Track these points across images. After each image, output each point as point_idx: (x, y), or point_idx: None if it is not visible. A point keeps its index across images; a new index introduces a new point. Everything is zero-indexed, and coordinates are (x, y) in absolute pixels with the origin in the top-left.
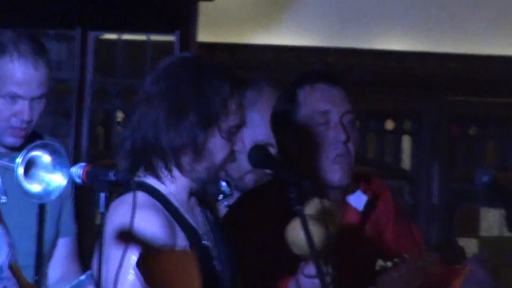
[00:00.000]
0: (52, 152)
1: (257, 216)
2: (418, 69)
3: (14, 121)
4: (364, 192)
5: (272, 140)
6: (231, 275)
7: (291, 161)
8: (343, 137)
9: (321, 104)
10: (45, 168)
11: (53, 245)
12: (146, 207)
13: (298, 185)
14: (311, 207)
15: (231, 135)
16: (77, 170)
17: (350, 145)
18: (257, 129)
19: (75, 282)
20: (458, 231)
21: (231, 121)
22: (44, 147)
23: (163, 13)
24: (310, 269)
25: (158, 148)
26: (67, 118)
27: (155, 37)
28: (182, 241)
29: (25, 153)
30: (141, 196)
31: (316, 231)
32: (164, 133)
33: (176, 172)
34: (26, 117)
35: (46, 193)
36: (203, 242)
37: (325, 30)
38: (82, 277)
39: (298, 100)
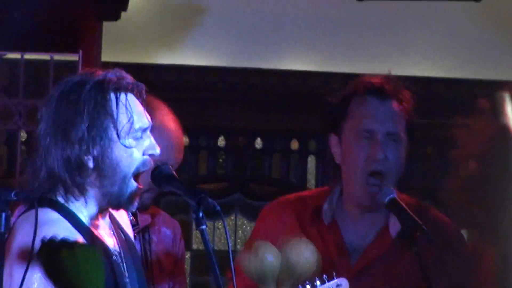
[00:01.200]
0: None
1: None
2: (322, 89)
3: None
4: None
5: (170, 160)
6: (135, 278)
7: (333, 164)
8: (381, 154)
9: (368, 119)
10: None
11: None
12: (49, 224)
13: (202, 205)
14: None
15: (135, 141)
16: None
17: (389, 165)
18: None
19: None
20: None
21: (129, 126)
22: None
23: (66, 33)
24: None
25: (59, 177)
26: None
27: (58, 57)
28: None
29: None
30: (47, 212)
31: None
32: (60, 159)
33: (80, 193)
34: None
35: None
36: (113, 258)
37: (229, 50)
38: None
39: (349, 108)
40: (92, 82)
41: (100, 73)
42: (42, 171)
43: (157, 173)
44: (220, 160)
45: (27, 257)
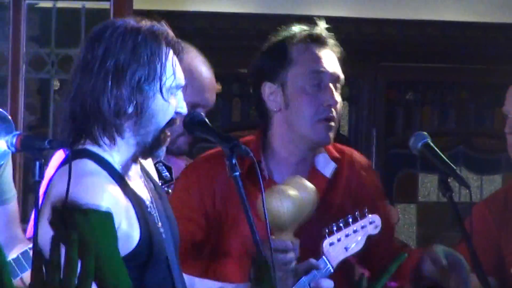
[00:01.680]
0: None
1: (206, 183)
2: (354, 35)
3: None
4: (333, 160)
5: (202, 101)
6: (174, 242)
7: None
8: (332, 101)
9: (316, 64)
10: None
11: None
12: (90, 174)
13: (235, 152)
14: (290, 182)
15: (172, 96)
16: (11, 139)
17: (336, 109)
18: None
19: (21, 251)
20: (397, 197)
21: (171, 81)
22: None
23: None
24: (277, 243)
25: (98, 115)
26: (2, 88)
27: (89, 5)
28: (127, 210)
29: None
30: (86, 163)
31: (290, 204)
32: (104, 98)
33: (118, 138)
34: None
35: None
36: (148, 210)
37: None
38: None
39: (290, 56)
40: (146, 31)
41: (146, 23)
42: (79, 112)
43: (189, 119)
44: (253, 108)
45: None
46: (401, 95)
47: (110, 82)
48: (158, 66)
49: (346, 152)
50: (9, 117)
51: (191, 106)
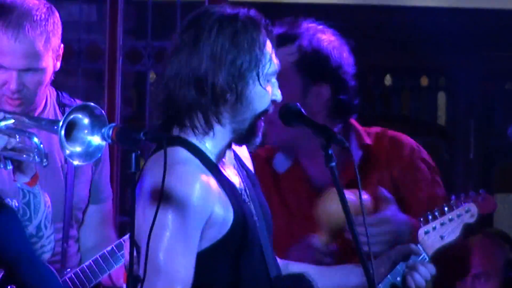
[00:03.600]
0: (91, 114)
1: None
2: (452, 25)
3: (4, 90)
4: (361, 147)
5: None
6: (267, 229)
7: None
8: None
9: None
10: (85, 129)
11: (84, 210)
12: (182, 163)
13: (331, 143)
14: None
15: (268, 84)
16: (107, 131)
17: None
18: None
19: (108, 249)
20: (496, 187)
21: (267, 68)
22: (83, 109)
23: None
24: (316, 241)
25: (197, 98)
26: (99, 81)
27: None
28: (220, 196)
29: (66, 115)
30: (178, 151)
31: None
32: (204, 83)
33: (215, 124)
34: (13, 87)
35: (87, 154)
36: (242, 197)
37: None
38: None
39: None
40: (245, 18)
41: (243, 10)
42: (172, 99)
43: (285, 110)
44: None
45: (158, 198)
46: (498, 85)
47: (205, 68)
48: (259, 53)
49: (380, 135)
50: (103, 112)
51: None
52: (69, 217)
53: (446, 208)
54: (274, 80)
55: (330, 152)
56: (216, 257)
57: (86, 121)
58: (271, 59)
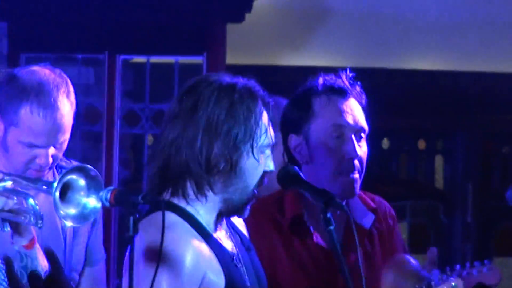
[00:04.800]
0: (87, 175)
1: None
2: (451, 87)
3: (32, 165)
4: (370, 210)
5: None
6: (255, 280)
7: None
8: (354, 153)
9: (337, 117)
10: (81, 191)
11: (81, 273)
12: (171, 227)
13: (329, 206)
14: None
15: (262, 155)
16: (106, 194)
17: (360, 162)
18: (281, 147)
19: None
20: (496, 251)
21: (263, 140)
22: (79, 170)
23: (191, 36)
24: None
25: (191, 166)
26: (98, 143)
27: (183, 60)
28: (210, 261)
29: (61, 177)
30: (168, 215)
31: None
32: (194, 153)
33: (207, 192)
34: (45, 163)
35: (82, 216)
36: (234, 262)
37: (355, 50)
38: None
39: (313, 109)
40: (242, 88)
41: (241, 80)
42: (167, 165)
43: (284, 173)
44: None
45: (154, 259)
46: (497, 148)
47: (200, 137)
48: (254, 125)
49: (378, 200)
50: (99, 174)
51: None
52: (69, 279)
53: (432, 283)
54: (268, 151)
55: (328, 215)
56: None
57: (82, 182)
58: (266, 131)
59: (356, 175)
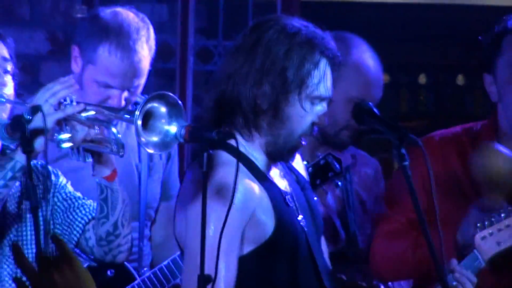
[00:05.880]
0: (168, 103)
1: None
2: None
3: (106, 102)
4: None
5: (368, 97)
6: (317, 234)
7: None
8: None
9: None
10: (162, 119)
11: (156, 209)
12: (229, 165)
13: (403, 142)
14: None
15: (312, 106)
16: (180, 130)
17: None
18: (349, 84)
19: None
20: None
21: (313, 90)
22: (160, 98)
23: None
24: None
25: (237, 107)
26: (171, 80)
27: None
28: (261, 199)
29: (142, 105)
30: (222, 155)
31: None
32: (244, 91)
33: (254, 132)
34: (118, 104)
35: (163, 144)
36: (286, 201)
37: None
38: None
39: (502, 48)
40: (304, 35)
41: (308, 28)
42: (220, 100)
43: (358, 109)
44: (421, 98)
45: (210, 192)
46: None
47: (254, 75)
48: (306, 73)
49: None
50: (179, 102)
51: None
52: (144, 216)
53: (503, 215)
54: (321, 105)
55: (402, 151)
56: (261, 263)
57: (163, 110)
58: (320, 82)
59: None
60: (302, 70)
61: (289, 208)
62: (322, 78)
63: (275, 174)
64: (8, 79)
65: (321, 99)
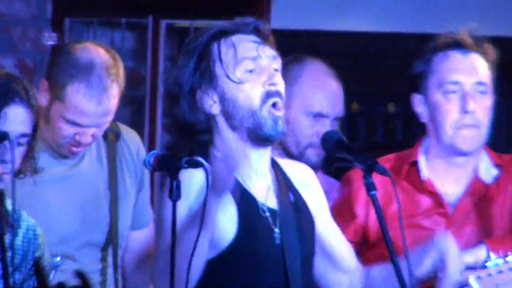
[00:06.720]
0: None
1: None
2: None
3: (72, 140)
4: (496, 166)
5: (335, 110)
6: (301, 254)
7: (418, 124)
8: (470, 107)
9: (452, 74)
10: None
11: (128, 238)
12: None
13: (371, 170)
14: None
15: (247, 75)
16: (149, 158)
17: (479, 115)
18: (307, 100)
19: None
20: None
21: (233, 61)
22: None
23: (234, 0)
24: None
25: (195, 126)
26: (141, 108)
27: None
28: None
29: None
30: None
31: None
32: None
33: (224, 131)
34: (86, 141)
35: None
36: (259, 212)
37: (400, 15)
38: None
39: (431, 66)
40: (202, 30)
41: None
42: (182, 126)
43: (328, 137)
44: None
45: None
46: None
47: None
48: (210, 59)
49: (507, 159)
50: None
51: (319, 116)
52: (117, 245)
53: (510, 255)
54: (263, 68)
55: (370, 180)
56: (225, 269)
57: None
58: (235, 50)
59: (475, 130)
60: (204, 64)
61: (263, 218)
62: (234, 47)
63: (255, 183)
64: None
65: (251, 59)
